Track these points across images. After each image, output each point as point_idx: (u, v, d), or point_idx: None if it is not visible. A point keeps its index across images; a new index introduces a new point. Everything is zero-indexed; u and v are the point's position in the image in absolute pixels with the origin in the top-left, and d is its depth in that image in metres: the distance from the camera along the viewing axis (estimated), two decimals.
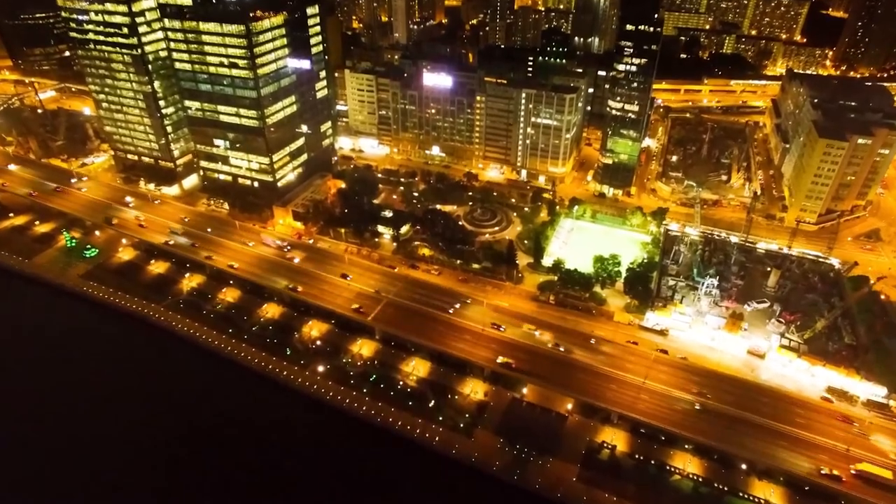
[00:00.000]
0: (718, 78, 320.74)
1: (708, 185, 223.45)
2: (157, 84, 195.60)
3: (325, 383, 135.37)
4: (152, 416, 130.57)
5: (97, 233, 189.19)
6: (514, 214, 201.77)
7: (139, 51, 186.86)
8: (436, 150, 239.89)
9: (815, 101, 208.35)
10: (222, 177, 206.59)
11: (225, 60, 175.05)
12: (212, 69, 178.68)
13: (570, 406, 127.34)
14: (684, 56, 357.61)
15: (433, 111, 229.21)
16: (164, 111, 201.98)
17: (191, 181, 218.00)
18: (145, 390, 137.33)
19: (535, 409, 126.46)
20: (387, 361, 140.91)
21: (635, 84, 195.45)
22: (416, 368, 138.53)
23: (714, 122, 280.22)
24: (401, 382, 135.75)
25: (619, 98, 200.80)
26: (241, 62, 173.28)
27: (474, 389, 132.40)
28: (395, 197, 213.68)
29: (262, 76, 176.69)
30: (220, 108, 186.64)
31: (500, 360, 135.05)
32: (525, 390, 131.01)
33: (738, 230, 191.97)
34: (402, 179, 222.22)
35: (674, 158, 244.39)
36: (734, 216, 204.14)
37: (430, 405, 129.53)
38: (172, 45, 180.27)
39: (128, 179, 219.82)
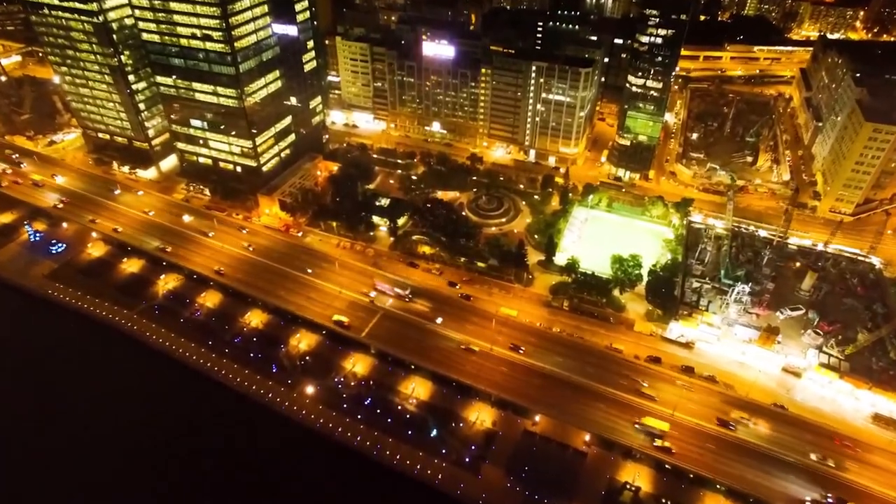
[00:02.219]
0: (740, 43, 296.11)
1: (732, 168, 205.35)
2: (124, 57, 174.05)
3: (314, 407, 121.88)
4: (120, 441, 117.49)
5: (65, 225, 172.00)
6: (523, 203, 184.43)
7: (100, 18, 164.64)
8: (436, 127, 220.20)
9: (858, 75, 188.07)
10: (202, 160, 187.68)
11: (197, 32, 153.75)
12: (183, 42, 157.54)
13: (587, 437, 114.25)
14: (703, 18, 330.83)
15: (433, 82, 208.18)
16: (134, 86, 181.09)
17: (170, 162, 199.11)
18: (114, 410, 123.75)
19: (549, 444, 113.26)
20: (383, 381, 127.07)
21: (659, 58, 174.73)
22: (415, 390, 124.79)
23: (736, 93, 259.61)
24: (399, 406, 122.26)
25: (640, 73, 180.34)
26: (215, 34, 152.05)
27: (481, 417, 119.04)
28: (391, 182, 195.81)
29: (240, 50, 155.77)
30: (195, 85, 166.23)
31: (334, 317, 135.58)
32: (538, 418, 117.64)
33: (766, 221, 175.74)
34: (400, 161, 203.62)
35: (694, 136, 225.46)
36: (762, 204, 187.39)
37: (433, 435, 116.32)
38: (138, 13, 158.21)
39: (99, 161, 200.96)
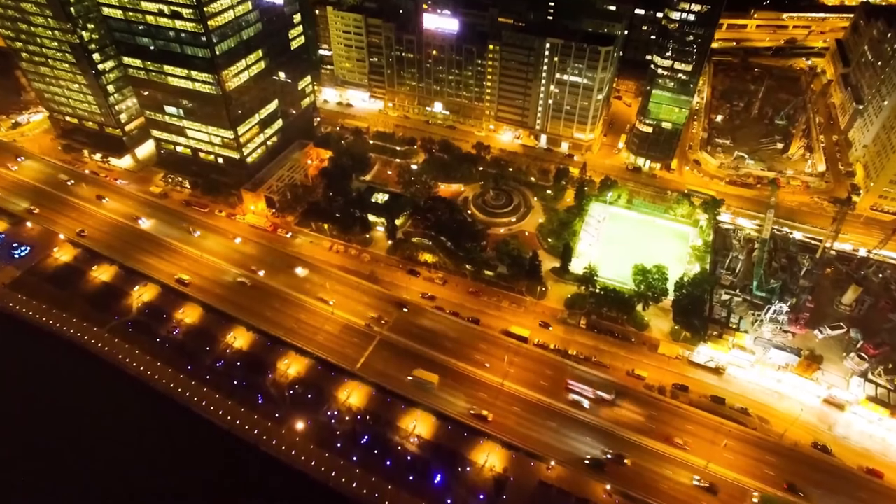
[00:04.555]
0: (768, 10, 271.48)
1: (760, 156, 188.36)
2: (85, 34, 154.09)
3: (305, 447, 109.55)
4: (90, 479, 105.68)
5: (29, 224, 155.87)
6: (535, 198, 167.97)
7: None
8: (438, 107, 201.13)
9: None
10: (180, 149, 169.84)
11: (164, 8, 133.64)
12: (149, 19, 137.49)
13: (608, 486, 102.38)
14: None
15: (435, 59, 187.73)
16: (100, 67, 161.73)
17: (147, 149, 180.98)
18: (81, 447, 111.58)
19: (568, 498, 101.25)
20: (381, 415, 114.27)
21: (691, 37, 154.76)
22: (417, 426, 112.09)
23: (762, 67, 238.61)
24: (399, 446, 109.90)
25: (667, 54, 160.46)
26: (185, 11, 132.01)
27: (490, 461, 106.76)
28: (389, 172, 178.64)
29: (214, 29, 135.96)
30: (167, 68, 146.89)
31: (177, 276, 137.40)
32: (553, 462, 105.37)
33: (798, 220, 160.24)
34: (398, 148, 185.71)
35: (719, 118, 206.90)
36: (794, 199, 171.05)
37: (437, 481, 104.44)
38: None
39: (69, 147, 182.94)
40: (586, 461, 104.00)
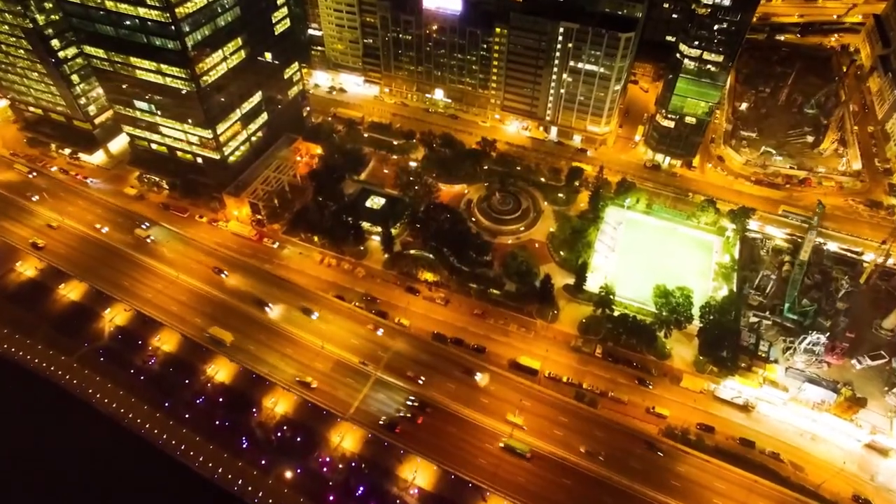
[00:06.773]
0: None
1: (788, 151, 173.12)
2: (40, 18, 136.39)
3: (295, 500, 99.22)
4: None
5: None
6: (544, 202, 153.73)
7: None
8: (439, 95, 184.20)
9: None
10: (155, 146, 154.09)
11: None
12: (109, 4, 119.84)
13: None
14: None
15: (436, 42, 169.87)
16: (60, 55, 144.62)
17: (122, 142, 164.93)
18: (49, 489, 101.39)
19: None
20: (378, 462, 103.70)
21: (725, 24, 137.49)
22: (417, 476, 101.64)
23: (789, 46, 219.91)
24: (398, 499, 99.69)
25: (696, 42, 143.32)
26: None
27: None
28: (386, 171, 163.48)
29: (184, 17, 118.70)
30: (134, 60, 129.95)
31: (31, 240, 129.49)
32: None
33: (831, 226, 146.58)
34: (396, 143, 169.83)
35: (743, 106, 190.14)
36: (826, 203, 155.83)
37: None
38: None
39: (34, 140, 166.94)
40: (381, 422, 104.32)
